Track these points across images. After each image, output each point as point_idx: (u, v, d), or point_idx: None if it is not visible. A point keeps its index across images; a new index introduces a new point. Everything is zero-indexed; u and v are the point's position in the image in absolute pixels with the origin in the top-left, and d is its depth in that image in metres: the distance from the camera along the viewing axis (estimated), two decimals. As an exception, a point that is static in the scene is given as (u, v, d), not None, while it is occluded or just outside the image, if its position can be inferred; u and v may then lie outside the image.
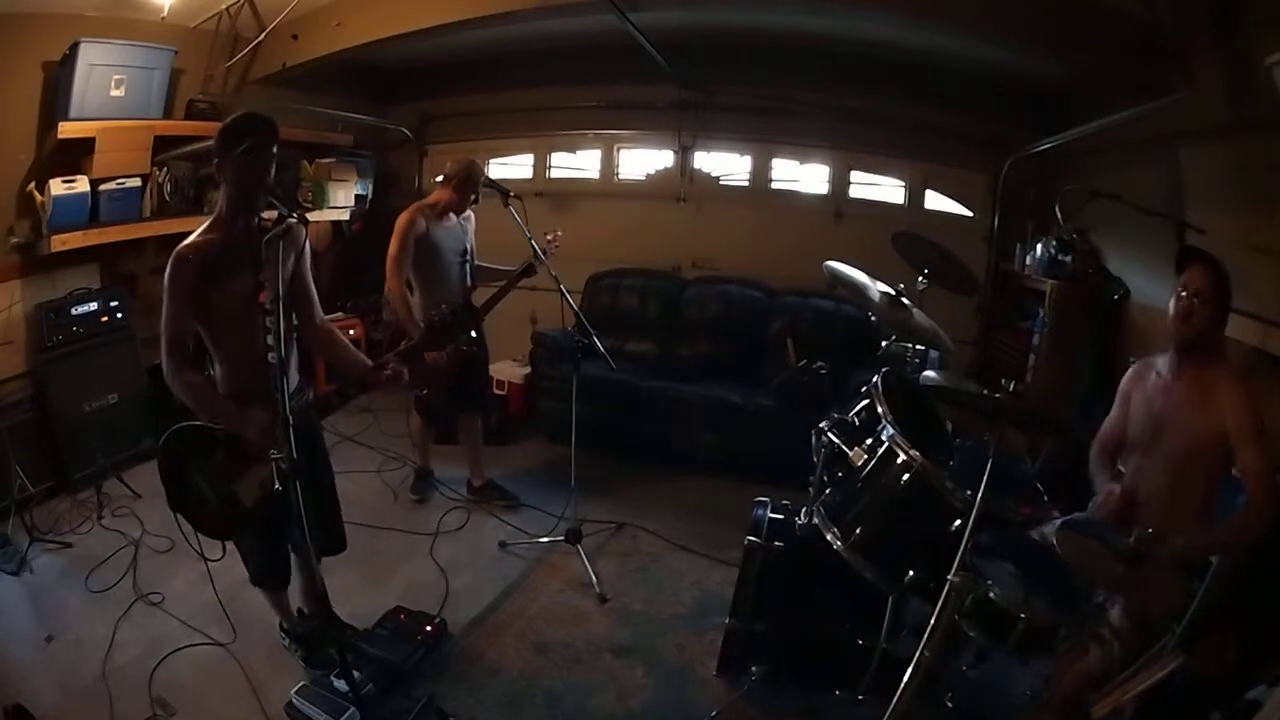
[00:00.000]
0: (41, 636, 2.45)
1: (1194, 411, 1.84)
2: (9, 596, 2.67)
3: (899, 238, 2.71)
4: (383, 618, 2.54)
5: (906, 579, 1.98)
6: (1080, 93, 3.75)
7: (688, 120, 4.75)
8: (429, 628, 2.48)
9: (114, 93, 3.36)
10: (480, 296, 3.29)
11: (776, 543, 2.30)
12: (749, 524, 2.39)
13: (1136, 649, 1.81)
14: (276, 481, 1.81)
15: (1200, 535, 1.82)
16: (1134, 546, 1.66)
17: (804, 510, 2.35)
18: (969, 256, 3.47)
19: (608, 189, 5.14)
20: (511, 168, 5.37)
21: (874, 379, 2.26)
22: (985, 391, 1.93)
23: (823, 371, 2.87)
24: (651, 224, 4.96)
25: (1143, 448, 1.99)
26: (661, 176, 5.00)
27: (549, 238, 3.24)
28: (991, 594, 1.77)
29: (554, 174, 5.31)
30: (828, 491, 2.23)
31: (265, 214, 1.95)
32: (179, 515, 2.04)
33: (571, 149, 5.24)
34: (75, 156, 3.36)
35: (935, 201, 4.67)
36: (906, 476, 2.03)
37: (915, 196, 4.68)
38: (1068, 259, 3.64)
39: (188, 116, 3.87)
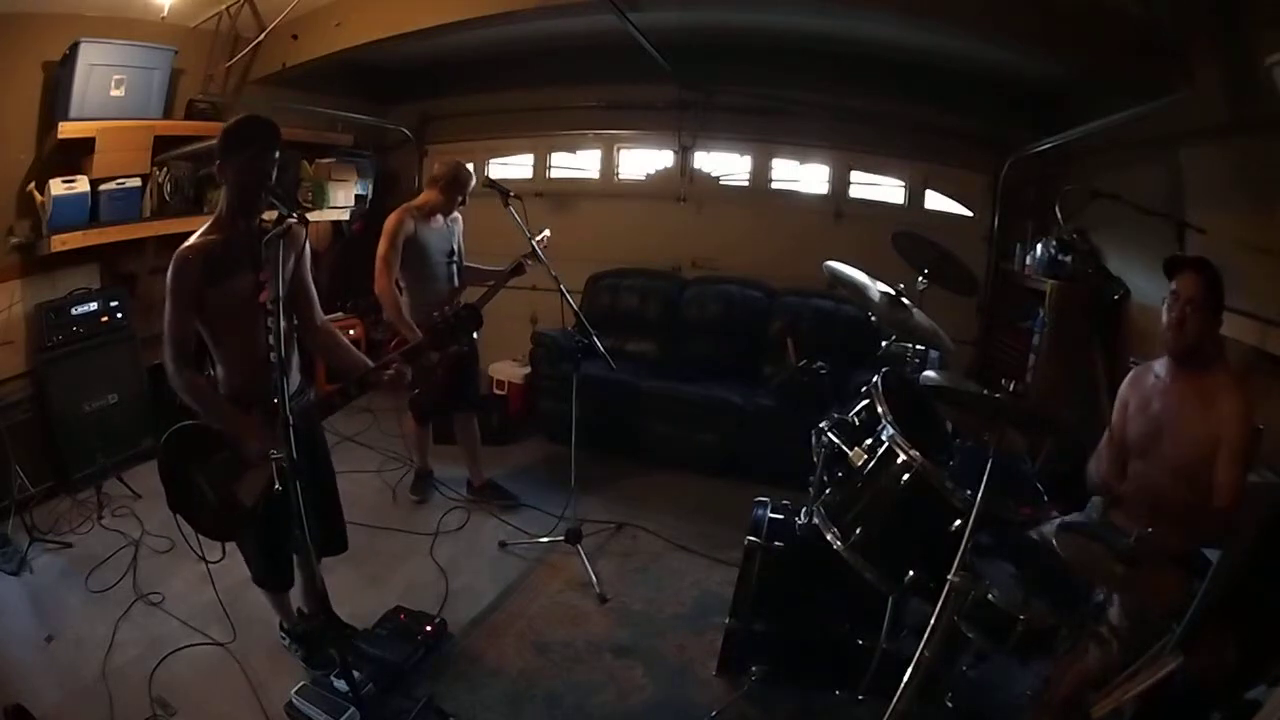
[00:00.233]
0: (41, 636, 2.45)
1: (1192, 417, 1.84)
2: (9, 596, 2.67)
3: (899, 238, 2.71)
4: (383, 618, 2.54)
5: (906, 579, 1.98)
6: (1080, 93, 3.75)
7: (688, 120, 4.75)
8: (429, 628, 2.49)
9: (114, 93, 3.35)
10: (469, 297, 3.31)
11: (776, 543, 2.30)
12: (749, 524, 2.39)
13: (1136, 649, 1.81)
14: (276, 481, 1.81)
15: (1189, 529, 1.82)
16: (1134, 546, 1.66)
17: (804, 510, 2.35)
18: (969, 256, 3.47)
19: (608, 189, 5.14)
20: (511, 168, 5.37)
21: (874, 379, 2.26)
22: (985, 391, 1.93)
23: (823, 371, 2.86)
24: (651, 224, 4.96)
25: (1141, 450, 1.99)
26: (661, 176, 5.00)
27: (538, 238, 3.24)
28: (991, 595, 1.77)
29: (554, 174, 5.31)
30: (828, 491, 2.23)
31: (265, 214, 1.95)
32: (179, 516, 2.05)
33: (571, 149, 5.24)
34: (75, 156, 3.36)
35: (935, 201, 4.67)
36: (906, 476, 2.03)
37: (915, 196, 4.68)
38: (1068, 259, 3.64)
39: (188, 116, 3.87)
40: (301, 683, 2.21)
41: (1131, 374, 2.12)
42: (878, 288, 2.53)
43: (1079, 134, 3.38)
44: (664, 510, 3.58)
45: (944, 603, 1.77)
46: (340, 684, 2.10)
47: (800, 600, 2.32)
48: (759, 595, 2.28)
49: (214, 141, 1.96)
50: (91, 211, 3.42)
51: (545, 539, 3.21)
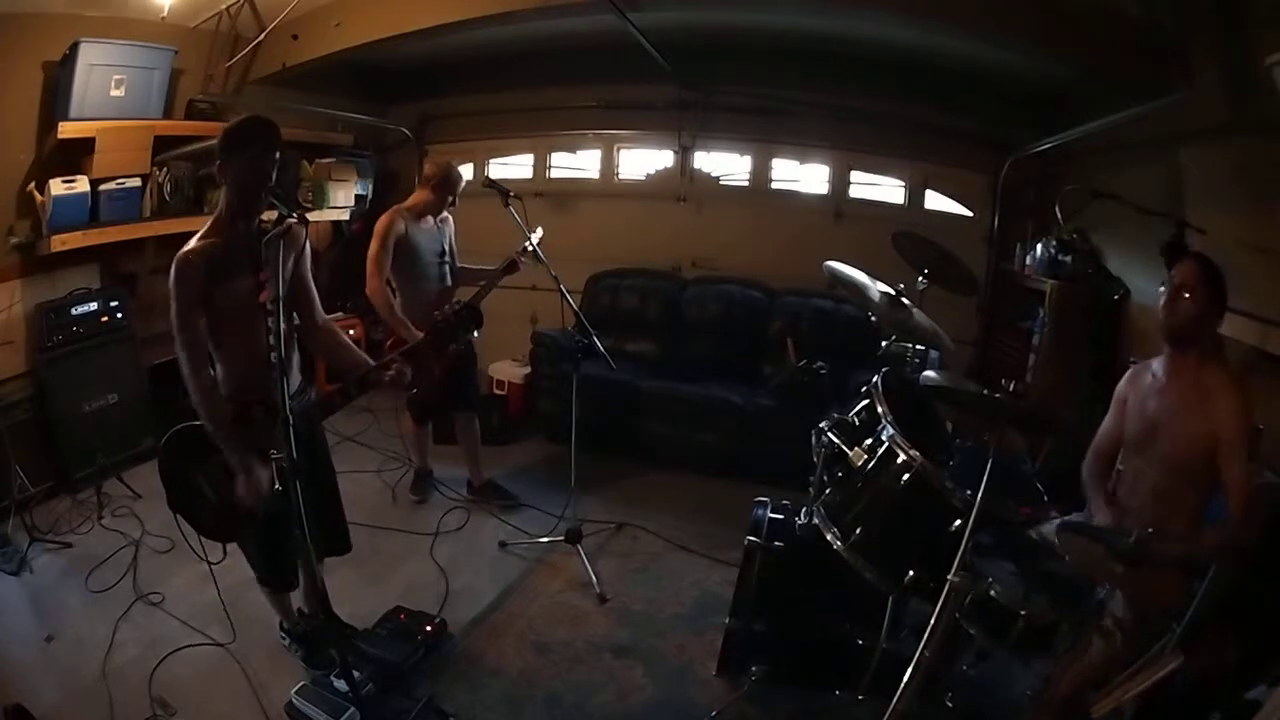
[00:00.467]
0: (41, 636, 2.45)
1: (1189, 414, 1.84)
2: (9, 596, 2.67)
3: (899, 238, 2.71)
4: (383, 618, 2.54)
5: (906, 579, 1.98)
6: (1080, 93, 3.75)
7: (688, 120, 4.74)
8: (429, 628, 2.49)
9: (114, 93, 3.36)
10: (461, 296, 3.31)
11: (776, 543, 2.30)
12: (749, 524, 2.39)
13: (1138, 644, 1.81)
14: (276, 481, 1.81)
15: (1192, 539, 1.82)
16: (1134, 546, 1.66)
17: (804, 510, 2.35)
18: (969, 256, 3.47)
19: (608, 189, 5.14)
20: (511, 168, 5.37)
21: (874, 379, 2.26)
22: (985, 391, 1.93)
23: (823, 371, 2.86)
24: (651, 224, 4.96)
25: (1137, 448, 1.99)
26: (661, 176, 4.99)
27: (534, 238, 3.25)
28: (992, 592, 1.77)
29: (554, 174, 5.31)
30: (828, 491, 2.23)
31: (265, 214, 1.95)
32: (179, 516, 2.05)
33: (571, 149, 5.24)
34: (75, 156, 3.36)
35: (935, 201, 4.67)
36: (906, 476, 2.03)
37: (915, 196, 4.68)
38: (1068, 259, 3.64)
39: (188, 116, 3.87)
40: (301, 683, 2.21)
41: (1130, 372, 2.12)
42: (878, 288, 2.52)
43: (1079, 134, 3.38)
44: (664, 510, 3.58)
45: (944, 602, 1.77)
46: (340, 684, 2.10)
47: (800, 600, 2.32)
48: (759, 595, 2.28)
49: (214, 142, 1.96)
50: (91, 211, 3.42)
51: (545, 539, 3.21)
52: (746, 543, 2.32)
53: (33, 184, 3.26)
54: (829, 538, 2.09)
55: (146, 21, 3.51)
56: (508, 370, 4.65)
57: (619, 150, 5.11)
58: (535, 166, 5.30)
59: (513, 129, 5.15)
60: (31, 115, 3.27)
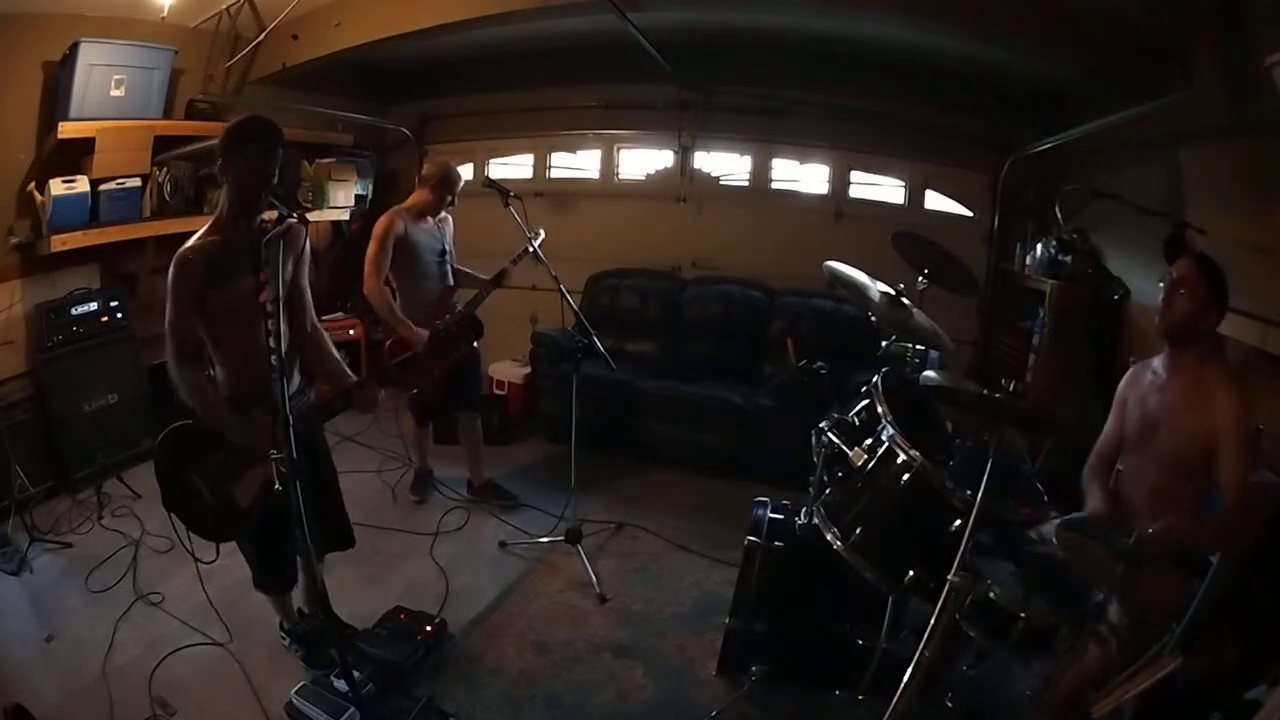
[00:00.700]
0: (41, 636, 2.45)
1: (1187, 412, 1.84)
2: (9, 596, 2.67)
3: (899, 238, 2.71)
4: (383, 618, 2.54)
5: (906, 579, 1.98)
6: (1080, 93, 3.75)
7: (688, 120, 4.74)
8: (429, 628, 2.48)
9: (114, 93, 3.36)
10: (459, 300, 3.33)
11: (776, 543, 2.30)
12: (749, 524, 2.39)
13: (1136, 648, 1.81)
14: (276, 482, 1.81)
15: (1189, 534, 1.82)
16: (1134, 547, 1.66)
17: (804, 510, 2.35)
18: (969, 256, 3.47)
19: (608, 189, 5.14)
20: (511, 168, 5.37)
21: (874, 379, 2.26)
22: (985, 391, 1.93)
23: (823, 371, 2.86)
24: (651, 224, 4.96)
25: (1137, 446, 1.99)
26: (661, 176, 4.99)
27: (536, 239, 3.25)
28: (991, 593, 1.77)
29: (554, 174, 5.30)
30: (828, 491, 2.23)
31: (265, 214, 1.95)
32: (174, 515, 2.05)
33: (571, 149, 5.23)
34: (75, 156, 3.36)
35: (935, 201, 4.67)
36: (906, 476, 2.03)
37: (915, 196, 4.67)
38: (1068, 259, 3.64)
39: (188, 116, 3.87)
40: (301, 683, 2.21)
41: (1130, 372, 2.12)
42: (878, 288, 2.53)
43: (1079, 134, 3.38)
44: (664, 510, 3.58)
45: (944, 603, 1.77)
46: (340, 684, 2.10)
47: (800, 600, 2.32)
48: (759, 595, 2.28)
49: (215, 142, 1.96)
50: (91, 211, 3.42)
51: (545, 539, 3.21)
52: (746, 543, 2.32)
53: (33, 184, 3.26)
54: (829, 538, 2.09)
55: (146, 21, 3.51)
56: (508, 370, 4.65)
57: (619, 150, 5.11)
58: (535, 166, 5.30)
59: (513, 129, 5.15)
60: (31, 115, 3.27)
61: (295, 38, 3.93)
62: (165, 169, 3.74)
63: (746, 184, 4.94)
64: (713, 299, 4.55)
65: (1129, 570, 1.66)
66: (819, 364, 2.89)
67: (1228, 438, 1.76)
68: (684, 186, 4.90)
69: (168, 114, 3.72)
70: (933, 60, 4.09)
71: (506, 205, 3.20)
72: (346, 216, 4.99)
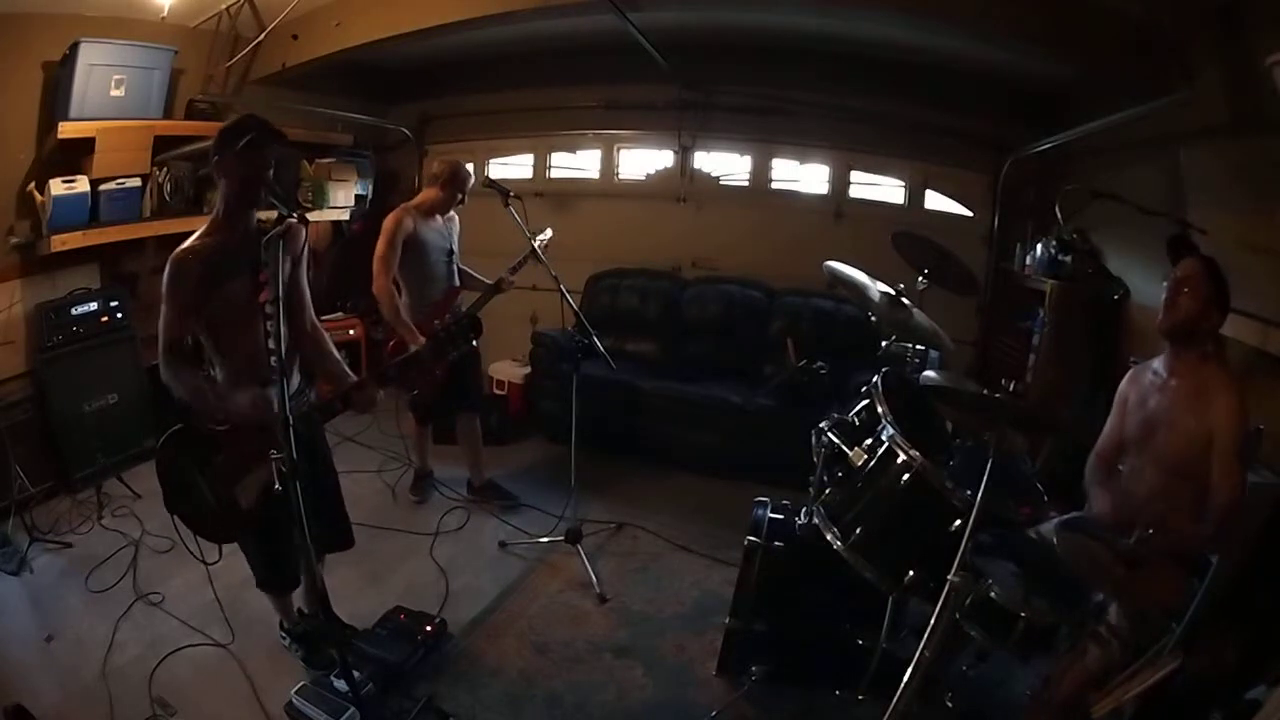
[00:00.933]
0: (41, 636, 2.45)
1: (1187, 412, 1.84)
2: (9, 596, 2.67)
3: (899, 238, 2.71)
4: (383, 618, 2.54)
5: (906, 579, 1.98)
6: (1080, 93, 3.75)
7: (688, 120, 4.74)
8: (429, 628, 2.48)
9: (114, 93, 3.35)
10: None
11: (776, 543, 2.30)
12: (749, 524, 2.39)
13: (1136, 649, 1.81)
14: (276, 482, 1.81)
15: (1185, 532, 1.83)
16: (1134, 547, 1.66)
17: (804, 510, 2.35)
18: (969, 256, 3.47)
19: (608, 189, 5.14)
20: (511, 168, 5.37)
21: (874, 379, 2.26)
22: (985, 391, 1.93)
23: (823, 371, 2.86)
24: (651, 224, 4.96)
25: (1137, 447, 1.99)
26: (661, 176, 4.99)
27: (540, 239, 3.25)
28: (992, 593, 1.77)
29: (554, 174, 5.31)
30: (828, 491, 2.23)
31: (265, 215, 1.95)
32: (176, 517, 2.05)
33: (571, 149, 5.23)
34: (75, 156, 3.36)
35: (935, 201, 4.67)
36: (906, 476, 2.03)
37: (915, 196, 4.67)
38: (1068, 259, 3.64)
39: (188, 116, 3.87)
40: (301, 683, 2.21)
41: (1130, 372, 2.12)
42: (878, 288, 2.53)
43: (1079, 134, 3.38)
44: (664, 510, 3.58)
45: (944, 602, 1.77)
46: (340, 684, 2.10)
47: (800, 600, 2.32)
48: (759, 595, 2.28)
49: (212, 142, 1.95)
50: (91, 211, 3.42)
51: (545, 539, 3.21)
52: (746, 543, 2.32)
53: (33, 184, 3.26)
54: (829, 538, 2.09)
55: (146, 21, 3.51)
56: (508, 370, 4.65)
57: (619, 150, 5.11)
58: (535, 166, 5.30)
59: (513, 129, 5.15)
60: (31, 115, 3.27)
61: (295, 38, 3.93)
62: (165, 169, 3.74)
63: (746, 184, 4.94)
64: (713, 299, 4.55)
65: (1129, 570, 1.66)
66: (819, 364, 2.90)
67: (1222, 440, 1.77)
68: (684, 186, 4.90)
69: (168, 114, 3.72)
70: (933, 60, 4.09)
71: (506, 205, 3.19)
72: (346, 216, 4.99)
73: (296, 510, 1.66)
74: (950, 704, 2.07)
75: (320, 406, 2.21)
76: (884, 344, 2.65)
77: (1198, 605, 1.80)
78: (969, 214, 4.57)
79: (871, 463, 2.11)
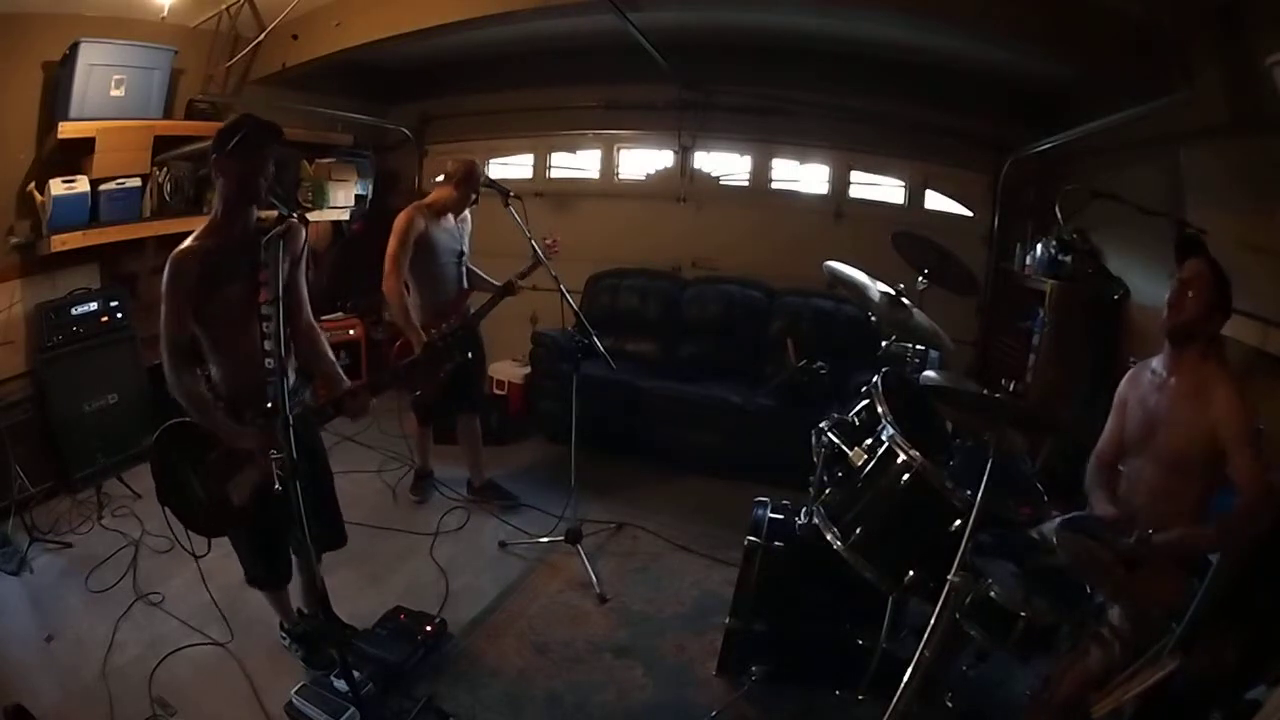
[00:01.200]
0: (41, 636, 2.45)
1: (1187, 410, 1.84)
2: (9, 596, 2.67)
3: (899, 238, 2.71)
4: (383, 618, 2.54)
5: (906, 579, 1.98)
6: (1080, 93, 3.75)
7: (688, 120, 4.74)
8: (429, 628, 2.48)
9: (114, 93, 3.35)
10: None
11: (776, 543, 2.30)
12: (749, 524, 2.39)
13: (1136, 649, 1.81)
14: (276, 482, 1.81)
15: (1195, 530, 1.82)
16: (1134, 547, 1.66)
17: (804, 510, 2.35)
18: (969, 256, 3.47)
19: (608, 189, 5.14)
20: (511, 168, 5.37)
21: (874, 379, 2.26)
22: (985, 391, 1.93)
23: (823, 371, 2.86)
24: (651, 224, 4.96)
25: (1138, 447, 1.99)
26: (661, 176, 4.99)
27: (548, 241, 3.24)
28: (992, 593, 1.77)
29: (554, 174, 5.31)
30: (828, 491, 2.23)
31: (264, 214, 1.95)
32: (167, 509, 2.05)
33: (571, 149, 5.24)
34: (75, 156, 3.36)
35: (935, 201, 4.67)
36: (906, 476, 2.03)
37: (915, 196, 4.68)
38: (1068, 259, 3.64)
39: (188, 116, 3.87)
40: (301, 683, 2.21)
41: (1130, 372, 2.12)
42: (878, 288, 2.53)
43: (1079, 134, 3.38)
44: (664, 510, 3.58)
45: (944, 602, 1.77)
46: (340, 684, 2.10)
47: (800, 600, 2.32)
48: (759, 595, 2.28)
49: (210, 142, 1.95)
50: (91, 211, 3.42)
51: (545, 539, 3.21)
52: (746, 543, 2.32)
53: (33, 184, 3.26)
54: (829, 538, 2.09)
55: (146, 21, 3.51)
56: (508, 370, 4.65)
57: (619, 150, 5.11)
58: (535, 166, 5.30)
59: (513, 129, 5.15)
60: (31, 115, 3.27)
61: (295, 38, 3.93)
62: (165, 169, 3.74)
63: (746, 184, 4.94)
64: (713, 299, 4.55)
65: (1129, 570, 1.66)
66: (819, 364, 2.90)
67: (1233, 436, 1.76)
68: (684, 186, 4.91)
69: (168, 114, 3.72)
70: (933, 60, 4.09)
71: (506, 205, 3.19)
72: (346, 216, 4.99)
73: (297, 510, 1.66)
74: (950, 704, 2.07)
75: (313, 411, 2.21)
76: (884, 344, 2.65)
77: (1198, 605, 1.80)
78: (969, 214, 4.57)
79: (871, 463, 2.11)
